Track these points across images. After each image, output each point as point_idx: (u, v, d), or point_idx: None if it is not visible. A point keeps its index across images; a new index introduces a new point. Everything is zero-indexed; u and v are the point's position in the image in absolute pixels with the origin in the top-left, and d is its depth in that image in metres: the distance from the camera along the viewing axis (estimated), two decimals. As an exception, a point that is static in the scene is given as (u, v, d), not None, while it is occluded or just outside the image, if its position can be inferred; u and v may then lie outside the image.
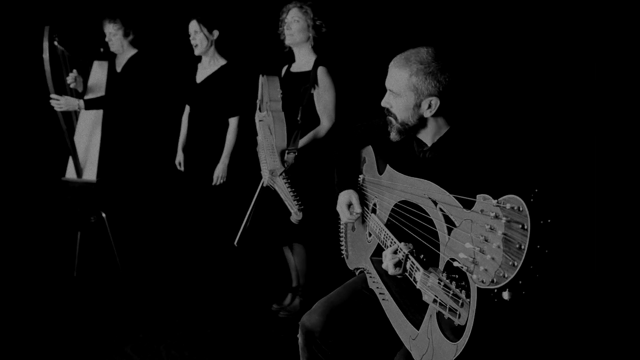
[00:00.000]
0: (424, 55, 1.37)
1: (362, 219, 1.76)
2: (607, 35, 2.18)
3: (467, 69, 2.58)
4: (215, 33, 2.79)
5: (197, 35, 2.75)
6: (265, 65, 2.66)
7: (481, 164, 1.36)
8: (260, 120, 2.42)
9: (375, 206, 1.66)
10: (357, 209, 1.71)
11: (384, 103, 1.47)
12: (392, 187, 1.52)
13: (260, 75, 2.39)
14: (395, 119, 1.45)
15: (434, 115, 1.41)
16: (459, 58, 1.42)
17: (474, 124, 1.48)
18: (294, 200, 2.15)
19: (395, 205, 1.49)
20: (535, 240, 0.90)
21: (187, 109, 3.02)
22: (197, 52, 2.80)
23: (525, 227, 0.91)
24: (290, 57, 2.62)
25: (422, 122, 1.44)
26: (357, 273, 1.80)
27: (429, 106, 1.39)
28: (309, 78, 2.44)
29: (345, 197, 1.74)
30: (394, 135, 1.48)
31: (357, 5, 2.99)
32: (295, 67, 2.57)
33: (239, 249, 2.39)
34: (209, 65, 2.86)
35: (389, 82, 1.44)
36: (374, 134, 1.72)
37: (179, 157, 3.02)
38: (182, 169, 3.02)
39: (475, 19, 2.64)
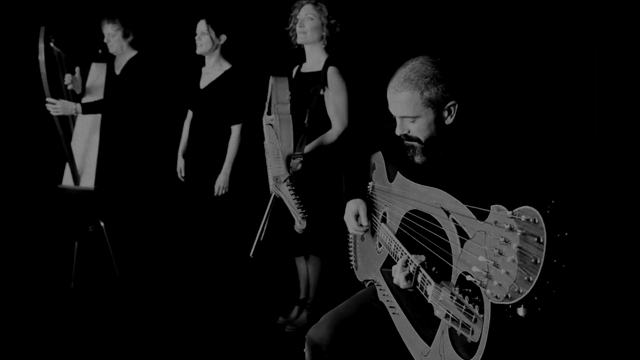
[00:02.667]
0: (421, 67, 1.34)
1: (372, 228, 1.71)
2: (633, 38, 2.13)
3: (468, 62, 2.54)
4: (223, 37, 2.73)
5: (204, 37, 2.69)
6: (275, 66, 2.60)
7: (492, 169, 1.33)
8: (268, 124, 2.34)
9: (386, 215, 1.61)
10: (364, 221, 1.66)
11: (400, 132, 1.41)
12: (403, 196, 1.48)
13: (271, 77, 2.32)
14: (419, 140, 1.40)
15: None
16: (453, 57, 1.38)
17: (484, 129, 1.44)
18: (298, 209, 2.10)
19: (406, 214, 1.44)
20: (551, 254, 0.87)
21: (189, 114, 2.96)
22: (198, 51, 2.74)
23: (541, 240, 0.88)
24: (301, 57, 2.53)
25: (445, 131, 1.40)
26: (366, 285, 1.75)
27: (449, 113, 1.37)
28: (319, 79, 2.36)
29: (353, 207, 1.69)
30: (419, 159, 1.43)
31: (372, 4, 2.94)
32: (306, 67, 2.49)
33: (245, 258, 2.33)
34: (212, 69, 2.80)
35: (399, 110, 1.38)
36: (384, 139, 1.67)
37: (180, 163, 2.97)
38: (182, 175, 2.97)
39: (490, 18, 2.59)
